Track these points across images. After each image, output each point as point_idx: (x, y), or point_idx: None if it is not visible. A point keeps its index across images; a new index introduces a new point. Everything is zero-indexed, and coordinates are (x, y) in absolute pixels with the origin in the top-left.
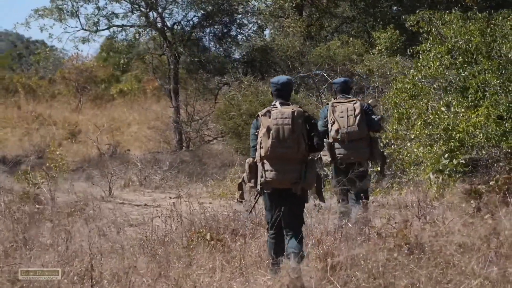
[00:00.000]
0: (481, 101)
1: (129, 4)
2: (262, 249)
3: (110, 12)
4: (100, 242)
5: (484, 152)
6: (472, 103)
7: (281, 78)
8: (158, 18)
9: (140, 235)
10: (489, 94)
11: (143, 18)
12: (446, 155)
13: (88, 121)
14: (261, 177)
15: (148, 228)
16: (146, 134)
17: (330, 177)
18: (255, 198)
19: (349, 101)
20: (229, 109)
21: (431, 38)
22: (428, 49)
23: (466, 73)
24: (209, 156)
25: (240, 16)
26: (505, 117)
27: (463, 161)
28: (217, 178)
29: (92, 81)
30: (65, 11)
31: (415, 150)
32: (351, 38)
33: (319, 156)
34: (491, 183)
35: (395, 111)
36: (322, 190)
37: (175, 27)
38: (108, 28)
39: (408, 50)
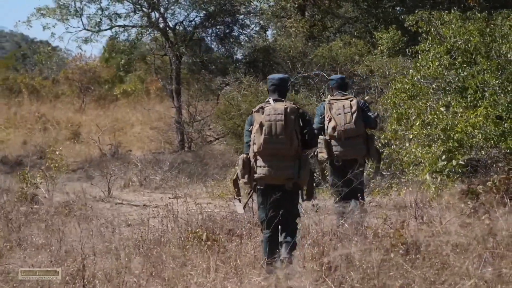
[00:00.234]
0: (480, 102)
1: (131, 4)
2: (258, 250)
3: (112, 13)
4: (94, 242)
5: (483, 153)
6: (471, 104)
7: (278, 74)
8: (160, 19)
9: (135, 235)
10: (488, 94)
11: (145, 18)
12: (444, 156)
13: (91, 121)
14: (254, 173)
15: (144, 229)
16: (149, 135)
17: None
18: (249, 194)
19: (345, 98)
20: (229, 109)
21: (430, 38)
22: (427, 49)
23: (465, 73)
24: (210, 157)
25: (242, 16)
26: (504, 118)
27: (462, 162)
28: (217, 178)
29: (95, 82)
30: (68, 11)
31: (413, 150)
32: (353, 39)
33: (315, 153)
34: (488, 183)
35: (394, 111)
36: (315, 188)
37: (177, 27)
38: (110, 28)
39: (407, 50)
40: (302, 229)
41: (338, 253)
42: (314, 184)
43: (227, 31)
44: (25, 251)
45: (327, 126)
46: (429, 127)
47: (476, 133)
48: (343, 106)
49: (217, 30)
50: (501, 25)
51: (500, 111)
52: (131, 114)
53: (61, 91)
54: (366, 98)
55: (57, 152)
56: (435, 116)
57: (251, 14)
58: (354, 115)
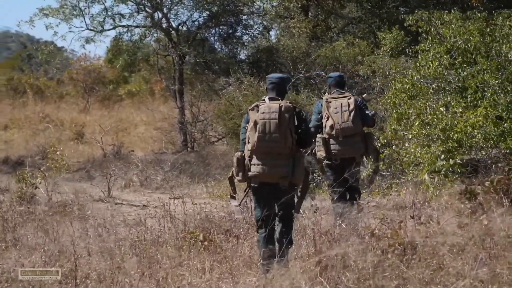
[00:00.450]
0: (480, 102)
1: (134, 4)
2: (254, 250)
3: (116, 13)
4: (90, 242)
5: (484, 153)
6: (471, 104)
7: (278, 74)
8: (163, 19)
9: (131, 235)
10: (488, 94)
11: (149, 18)
12: (443, 156)
13: (96, 122)
14: (249, 171)
15: (141, 229)
16: (152, 135)
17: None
18: (245, 191)
19: (343, 97)
20: (230, 109)
21: (430, 38)
22: (427, 49)
23: (465, 73)
24: (213, 157)
25: (245, 17)
26: (504, 118)
27: (459, 161)
28: (218, 178)
29: (100, 82)
30: (72, 10)
31: (412, 150)
32: (356, 39)
33: (313, 151)
34: (486, 183)
35: (394, 111)
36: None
37: (180, 27)
38: (113, 28)
39: (407, 50)
40: (300, 229)
41: (334, 254)
42: (314, 184)
43: (230, 31)
44: (20, 251)
45: (325, 125)
46: (428, 127)
47: (476, 133)
48: (341, 104)
49: (220, 30)
50: (502, 25)
51: (500, 111)
52: (135, 114)
53: (66, 92)
54: (363, 96)
55: (57, 152)
56: (435, 116)
57: (255, 15)
58: (352, 114)
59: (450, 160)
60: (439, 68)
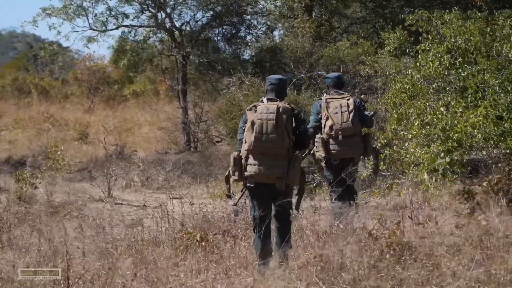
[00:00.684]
0: (480, 102)
1: (138, 4)
2: (251, 250)
3: (120, 13)
4: (85, 242)
5: (484, 153)
6: (472, 103)
7: (277, 75)
8: (167, 19)
9: (128, 235)
10: (488, 94)
11: (152, 19)
12: (442, 154)
13: (100, 122)
14: (245, 170)
15: (138, 229)
16: (156, 135)
17: (324, 176)
18: (241, 191)
19: (342, 97)
20: (230, 109)
21: (430, 38)
22: (427, 48)
23: (465, 73)
24: (216, 157)
25: (249, 17)
26: (505, 118)
27: (456, 158)
28: (220, 179)
29: (105, 82)
30: (76, 10)
31: (412, 150)
32: (360, 39)
33: (312, 151)
34: (484, 183)
35: (394, 111)
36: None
37: (184, 27)
38: (116, 28)
39: (407, 50)
40: (298, 229)
41: (330, 254)
42: (314, 185)
43: (233, 31)
44: (15, 252)
45: (324, 125)
46: (428, 127)
47: (476, 133)
48: (340, 105)
49: (223, 30)
50: (503, 25)
51: (501, 111)
52: (139, 114)
53: (71, 92)
54: (362, 97)
55: (58, 153)
56: (435, 116)
57: (258, 15)
58: (351, 114)
59: (447, 158)
60: (440, 68)
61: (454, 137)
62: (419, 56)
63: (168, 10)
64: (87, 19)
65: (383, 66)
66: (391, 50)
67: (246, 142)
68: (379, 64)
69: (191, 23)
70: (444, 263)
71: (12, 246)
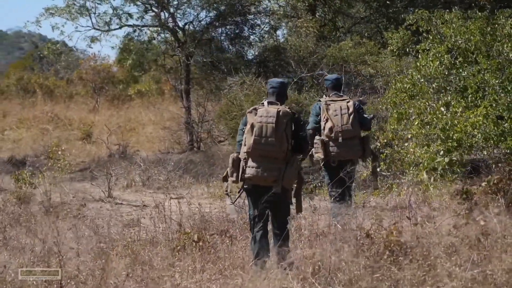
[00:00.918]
0: (480, 101)
1: (142, 4)
2: (247, 251)
3: (123, 12)
4: (82, 242)
5: (485, 153)
6: (472, 103)
7: (278, 79)
8: (170, 18)
9: (126, 236)
10: (488, 94)
11: (156, 18)
12: (442, 152)
13: (104, 121)
14: (243, 172)
15: (135, 229)
16: (160, 135)
17: (322, 177)
18: (239, 191)
19: (342, 100)
20: (231, 109)
21: (430, 38)
22: (427, 48)
23: (465, 73)
24: (218, 157)
25: (252, 16)
26: (505, 118)
27: (455, 158)
28: (221, 179)
29: (110, 82)
30: (79, 10)
31: (411, 150)
32: (364, 39)
33: (311, 152)
34: (483, 184)
35: (395, 111)
36: (302, 193)
37: (187, 27)
38: (120, 28)
39: (407, 50)
40: (296, 229)
41: (326, 254)
42: (314, 185)
43: (237, 31)
44: (10, 252)
45: (324, 127)
46: (428, 126)
47: (476, 133)
48: (340, 107)
49: (227, 30)
50: (503, 24)
51: (501, 111)
52: (144, 114)
53: (75, 91)
54: (361, 99)
55: (59, 152)
56: (434, 116)
57: (262, 14)
58: (351, 117)
59: (446, 158)
60: (440, 68)
61: (454, 137)
62: (419, 56)
63: (172, 10)
64: (90, 18)
65: (384, 66)
66: (394, 50)
67: (245, 144)
68: (381, 64)
69: (194, 23)
70: (440, 263)
71: (7, 247)
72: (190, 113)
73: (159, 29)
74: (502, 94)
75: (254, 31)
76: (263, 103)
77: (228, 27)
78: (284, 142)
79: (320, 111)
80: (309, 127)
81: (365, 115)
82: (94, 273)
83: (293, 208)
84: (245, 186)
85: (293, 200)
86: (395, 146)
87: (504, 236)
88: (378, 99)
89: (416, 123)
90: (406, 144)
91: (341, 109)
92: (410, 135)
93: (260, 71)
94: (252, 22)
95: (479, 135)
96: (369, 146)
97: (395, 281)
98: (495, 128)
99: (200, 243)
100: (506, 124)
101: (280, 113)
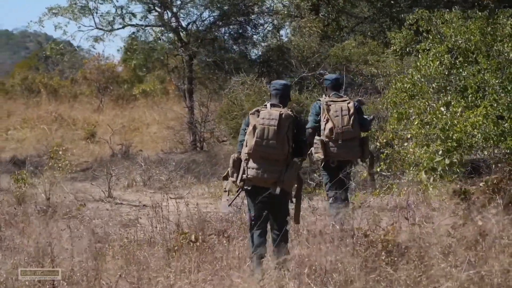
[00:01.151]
0: (480, 101)
1: (144, 4)
2: (242, 252)
3: (126, 12)
4: (78, 243)
5: (486, 153)
6: (472, 103)
7: (282, 81)
8: (173, 18)
9: (122, 236)
10: (488, 94)
11: (159, 18)
12: (440, 152)
13: (109, 121)
14: (243, 173)
15: (131, 229)
16: (164, 135)
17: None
18: (237, 191)
19: (342, 101)
20: (232, 109)
21: (431, 37)
22: (427, 48)
23: (465, 73)
24: (221, 157)
25: (255, 16)
26: (505, 117)
27: (456, 160)
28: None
29: (114, 81)
30: (81, 9)
31: (411, 149)
32: (367, 38)
33: (310, 151)
34: (481, 184)
35: (395, 111)
36: (302, 195)
37: (190, 26)
38: (123, 28)
39: (407, 49)
40: (294, 230)
41: (322, 255)
42: (314, 185)
43: (240, 31)
44: (4, 252)
45: (324, 127)
46: (427, 126)
47: (476, 133)
48: (341, 108)
49: (230, 29)
50: (503, 24)
51: (501, 111)
52: (148, 114)
53: (80, 91)
54: (360, 99)
55: (60, 152)
56: (434, 116)
57: (265, 14)
58: (352, 118)
59: (447, 159)
60: (440, 68)
61: (454, 137)
62: (419, 56)
63: (175, 10)
64: (93, 18)
65: (385, 65)
66: (397, 50)
67: (246, 145)
68: (382, 64)
69: (197, 23)
70: (436, 264)
71: (1, 247)
72: (193, 113)
73: (162, 29)
74: (502, 94)
75: (257, 31)
76: (266, 105)
77: (231, 26)
78: (285, 145)
79: (320, 110)
80: (309, 126)
81: (365, 116)
82: (88, 273)
83: (292, 208)
84: (245, 187)
85: (293, 200)
86: (395, 146)
87: (502, 237)
88: (379, 99)
89: (416, 123)
90: (405, 144)
91: (341, 110)
92: (409, 135)
93: (263, 71)
94: (255, 21)
95: (479, 135)
96: (368, 147)
97: (391, 281)
98: (495, 128)
99: (197, 244)
100: (506, 124)
101: (283, 116)
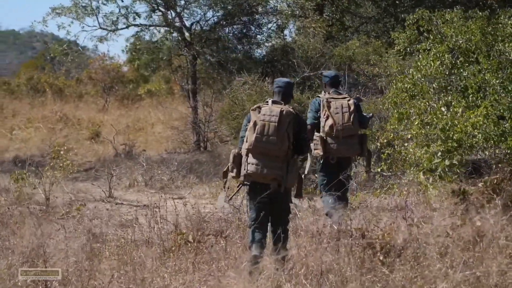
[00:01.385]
0: (481, 101)
1: (148, 4)
2: (238, 252)
3: (130, 12)
4: (75, 243)
5: (487, 153)
6: (473, 103)
7: (285, 78)
8: (177, 18)
9: (119, 236)
10: (489, 94)
11: (163, 18)
12: (439, 153)
13: (113, 121)
14: (244, 169)
15: (128, 230)
16: (168, 135)
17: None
18: (238, 186)
19: (342, 98)
20: (233, 109)
21: (431, 37)
22: (428, 48)
23: (466, 73)
24: (224, 157)
25: (259, 16)
26: (506, 118)
27: (456, 162)
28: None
29: (119, 81)
30: (84, 9)
31: (411, 150)
32: (371, 38)
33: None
34: (480, 184)
35: (395, 111)
36: (303, 192)
37: (193, 26)
38: (127, 28)
39: (408, 49)
40: (293, 230)
41: (319, 256)
42: (314, 185)
43: (244, 31)
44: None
45: (324, 124)
46: (428, 127)
47: (476, 133)
48: (341, 105)
49: (234, 29)
50: (504, 24)
51: (501, 111)
52: (153, 114)
53: (85, 91)
54: (358, 96)
55: (61, 152)
56: (434, 116)
57: (269, 14)
58: (352, 115)
59: (446, 160)
60: (441, 68)
61: (454, 137)
62: (420, 56)
63: (178, 10)
64: (97, 18)
65: (387, 65)
66: (401, 50)
67: (247, 141)
68: (384, 64)
69: (201, 22)
70: (432, 265)
71: None
72: (197, 113)
73: (167, 29)
74: (503, 94)
75: (261, 31)
76: (267, 102)
77: (235, 26)
78: (285, 142)
79: (319, 107)
80: (308, 123)
81: (364, 114)
82: (82, 273)
83: (292, 208)
84: (245, 183)
85: (294, 199)
86: (396, 146)
87: (500, 238)
88: (379, 99)
89: (416, 123)
90: (406, 145)
91: (342, 107)
92: (410, 135)
93: (267, 71)
94: (259, 21)
95: (479, 135)
96: (366, 144)
97: (387, 282)
98: (496, 128)
99: (195, 244)
100: (507, 124)
101: (283, 112)
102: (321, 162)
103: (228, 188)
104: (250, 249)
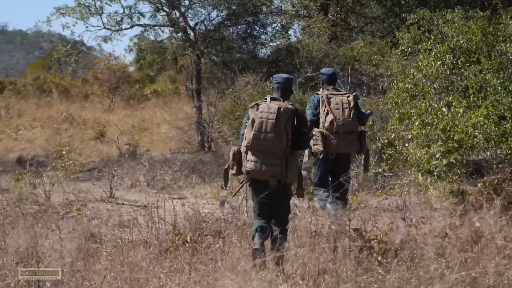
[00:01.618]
0: (481, 101)
1: (152, 4)
2: (240, 251)
3: (135, 12)
4: (72, 243)
5: (488, 154)
6: (474, 103)
7: (284, 74)
8: (181, 18)
9: (116, 236)
10: (490, 94)
11: (168, 17)
12: (438, 155)
13: (119, 121)
14: (243, 166)
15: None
16: (173, 135)
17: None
18: (240, 183)
19: (342, 94)
20: (235, 109)
21: (432, 37)
22: (429, 48)
23: (467, 73)
24: (227, 157)
25: (263, 16)
26: (507, 118)
27: (453, 161)
28: None
29: (125, 81)
30: (88, 9)
31: (411, 150)
32: (376, 38)
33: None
34: (479, 184)
35: (396, 111)
36: (304, 188)
37: (198, 26)
38: (131, 27)
39: (409, 49)
40: (292, 230)
41: (316, 256)
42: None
43: (248, 31)
44: None
45: (325, 120)
46: (428, 127)
47: (477, 133)
48: (341, 101)
49: (238, 29)
50: (505, 24)
51: (502, 111)
52: (158, 114)
53: (91, 91)
54: (355, 94)
55: (63, 152)
56: (435, 116)
57: (274, 14)
58: (352, 111)
59: (444, 160)
60: (441, 68)
61: (455, 138)
62: (421, 56)
63: (182, 10)
64: (101, 18)
65: (388, 65)
66: (406, 50)
67: (245, 138)
68: (386, 64)
69: (205, 22)
70: (429, 265)
71: None
72: (201, 113)
73: (171, 28)
74: (504, 94)
75: (265, 31)
76: (265, 99)
77: (239, 26)
78: (283, 138)
79: (318, 103)
80: (308, 119)
81: (363, 110)
82: (76, 274)
83: (292, 209)
84: (244, 180)
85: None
86: (397, 147)
87: (498, 238)
88: (381, 99)
89: (416, 123)
90: (406, 145)
91: (342, 103)
92: (410, 135)
93: (272, 71)
94: (263, 21)
95: (480, 135)
96: (365, 141)
97: (383, 283)
98: (496, 128)
99: (193, 244)
100: (507, 124)
101: (281, 109)
102: (320, 157)
103: (229, 188)
104: (253, 239)
